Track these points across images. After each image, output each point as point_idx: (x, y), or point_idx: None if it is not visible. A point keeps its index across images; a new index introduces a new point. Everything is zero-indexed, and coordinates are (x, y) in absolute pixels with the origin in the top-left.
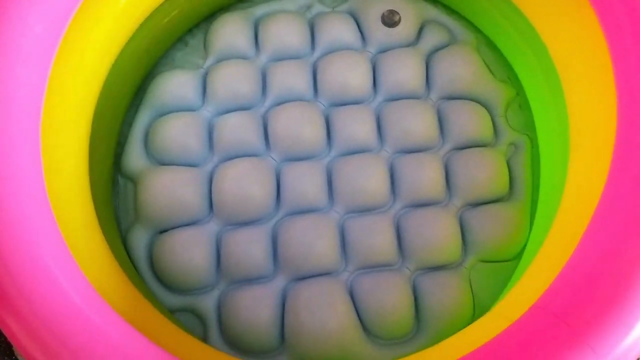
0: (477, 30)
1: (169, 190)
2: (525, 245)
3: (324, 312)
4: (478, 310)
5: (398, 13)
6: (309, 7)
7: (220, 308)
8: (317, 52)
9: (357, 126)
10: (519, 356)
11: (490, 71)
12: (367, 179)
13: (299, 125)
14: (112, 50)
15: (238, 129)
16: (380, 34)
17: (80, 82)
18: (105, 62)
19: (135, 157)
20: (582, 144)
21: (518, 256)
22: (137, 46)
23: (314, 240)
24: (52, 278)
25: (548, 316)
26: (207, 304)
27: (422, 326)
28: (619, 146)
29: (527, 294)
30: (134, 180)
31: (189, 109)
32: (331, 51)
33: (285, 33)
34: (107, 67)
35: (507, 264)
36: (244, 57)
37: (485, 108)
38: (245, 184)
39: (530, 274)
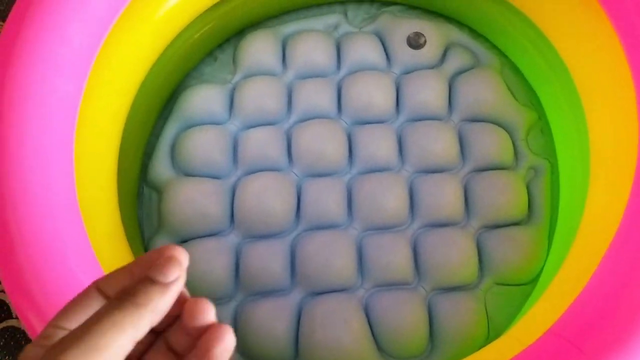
0: (501, 53)
1: (192, 200)
2: (542, 269)
3: (339, 328)
4: (492, 332)
5: (424, 35)
6: (336, 27)
7: (236, 319)
8: (343, 71)
9: (378, 145)
10: None
11: (513, 95)
12: (387, 197)
13: (322, 142)
14: (146, 63)
15: (262, 144)
16: (405, 55)
17: (113, 94)
18: (138, 75)
19: (161, 168)
20: (603, 170)
21: (534, 280)
22: (169, 60)
23: (332, 256)
24: (78, 284)
25: (562, 342)
26: (224, 314)
27: (435, 346)
28: None
29: (542, 319)
30: (158, 190)
31: (216, 123)
32: (356, 70)
33: (312, 51)
34: (140, 80)
35: (523, 288)
36: (271, 74)
37: (507, 131)
38: (267, 197)
39: (546, 299)
